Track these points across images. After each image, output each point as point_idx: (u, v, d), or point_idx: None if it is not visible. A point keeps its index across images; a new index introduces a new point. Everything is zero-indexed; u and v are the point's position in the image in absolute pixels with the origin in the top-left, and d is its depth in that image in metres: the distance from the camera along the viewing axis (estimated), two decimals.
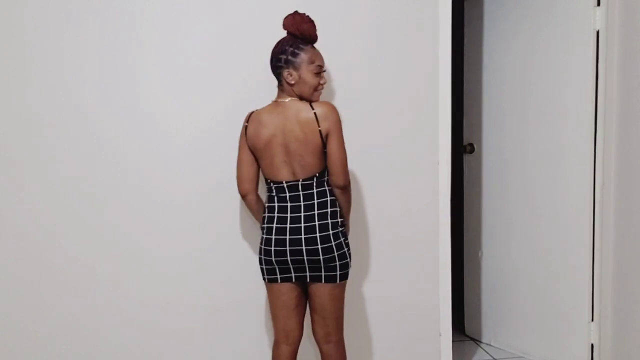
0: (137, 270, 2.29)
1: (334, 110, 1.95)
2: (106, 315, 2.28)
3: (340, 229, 1.99)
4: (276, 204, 1.99)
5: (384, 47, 2.45)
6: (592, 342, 2.75)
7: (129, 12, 2.21)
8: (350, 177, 2.38)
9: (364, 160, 2.45)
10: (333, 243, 1.95)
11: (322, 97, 2.32)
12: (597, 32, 2.61)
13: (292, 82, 1.94)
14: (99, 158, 2.23)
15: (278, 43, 1.98)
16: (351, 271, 2.41)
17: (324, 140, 1.93)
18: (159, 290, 2.31)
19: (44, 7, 2.15)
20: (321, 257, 1.93)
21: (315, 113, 1.92)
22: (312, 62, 1.94)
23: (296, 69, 1.93)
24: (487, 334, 3.18)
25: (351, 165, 2.40)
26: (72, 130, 2.20)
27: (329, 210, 1.97)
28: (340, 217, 2.00)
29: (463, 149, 3.24)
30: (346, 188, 2.00)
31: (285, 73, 1.95)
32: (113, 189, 2.25)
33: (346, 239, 2.02)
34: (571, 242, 2.75)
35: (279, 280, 2.02)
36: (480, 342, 3.21)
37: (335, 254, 1.95)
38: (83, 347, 2.27)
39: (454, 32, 2.55)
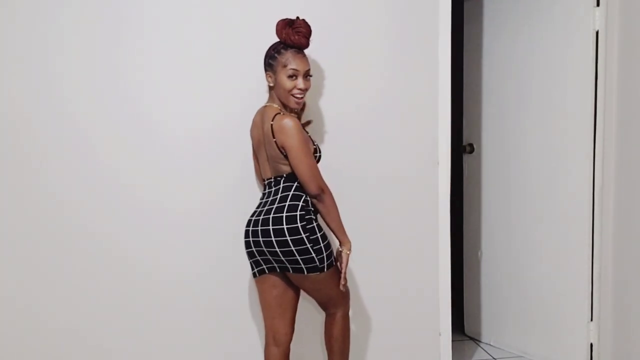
0: (136, 271, 2.29)
1: (288, 126, 1.91)
2: (104, 316, 2.28)
3: (301, 223, 1.91)
4: (259, 200, 2.08)
5: (383, 47, 2.45)
6: (592, 341, 2.75)
7: (129, 13, 2.21)
8: (350, 177, 2.41)
9: (364, 160, 2.45)
10: (288, 237, 1.91)
11: (317, 99, 2.36)
12: (597, 33, 2.62)
13: (271, 84, 2.03)
14: (99, 157, 2.23)
15: (269, 47, 2.05)
16: (350, 270, 2.43)
17: (282, 151, 1.95)
18: (158, 291, 2.31)
19: (42, 8, 2.15)
20: (277, 249, 1.94)
21: (271, 125, 1.95)
22: (285, 65, 1.96)
23: (274, 72, 2.00)
24: (487, 334, 3.18)
25: (351, 165, 2.42)
26: (66, 133, 2.20)
27: (286, 204, 1.95)
28: (302, 212, 1.94)
29: (463, 149, 3.24)
30: (319, 197, 1.96)
31: (266, 76, 2.04)
32: (110, 188, 2.24)
33: (312, 234, 1.93)
34: (571, 242, 2.76)
35: (257, 274, 2.07)
36: (480, 341, 3.21)
37: (293, 248, 1.91)
38: (80, 348, 2.27)
39: (454, 32, 2.56)
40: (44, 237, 2.21)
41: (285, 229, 1.92)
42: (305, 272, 1.95)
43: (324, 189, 1.96)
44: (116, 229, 2.26)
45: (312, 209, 1.99)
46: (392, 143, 2.49)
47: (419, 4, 2.47)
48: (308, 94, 2.29)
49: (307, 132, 2.09)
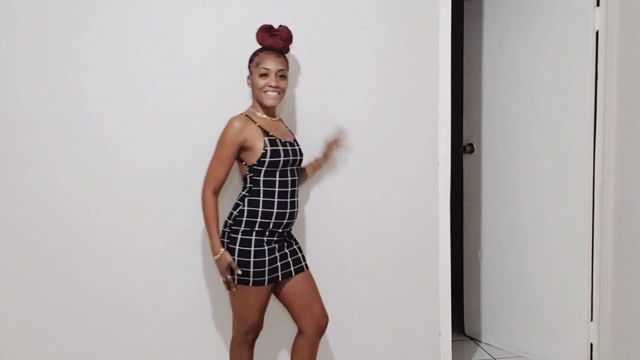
0: (131, 271, 2.28)
1: (226, 125, 1.96)
2: (100, 316, 2.27)
3: (228, 230, 1.98)
4: None
5: (383, 47, 2.45)
6: (592, 341, 2.75)
7: (127, 14, 2.21)
8: (350, 177, 2.42)
9: (364, 161, 2.45)
10: (224, 238, 2.00)
11: (317, 100, 2.36)
12: (597, 33, 2.62)
13: (250, 87, 2.07)
14: (97, 154, 2.22)
15: None
16: (350, 271, 2.44)
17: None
18: (153, 291, 2.30)
19: (43, 7, 2.15)
20: None
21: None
22: (257, 64, 2.00)
23: (251, 74, 2.05)
24: (487, 334, 3.18)
25: (351, 165, 2.42)
26: (68, 130, 2.19)
27: (233, 211, 2.01)
28: (231, 221, 1.99)
29: (463, 149, 3.24)
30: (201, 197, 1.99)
31: (247, 80, 2.08)
32: (105, 186, 2.23)
33: (231, 243, 1.96)
34: (571, 242, 2.76)
35: None
36: (480, 341, 3.21)
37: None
38: (75, 349, 2.27)
39: (454, 32, 2.56)
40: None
41: (222, 231, 2.01)
42: None
43: (203, 195, 1.97)
44: (112, 224, 2.26)
45: (248, 219, 1.96)
46: (392, 143, 2.49)
47: (419, 4, 2.48)
48: (309, 94, 2.30)
49: (287, 127, 2.08)
